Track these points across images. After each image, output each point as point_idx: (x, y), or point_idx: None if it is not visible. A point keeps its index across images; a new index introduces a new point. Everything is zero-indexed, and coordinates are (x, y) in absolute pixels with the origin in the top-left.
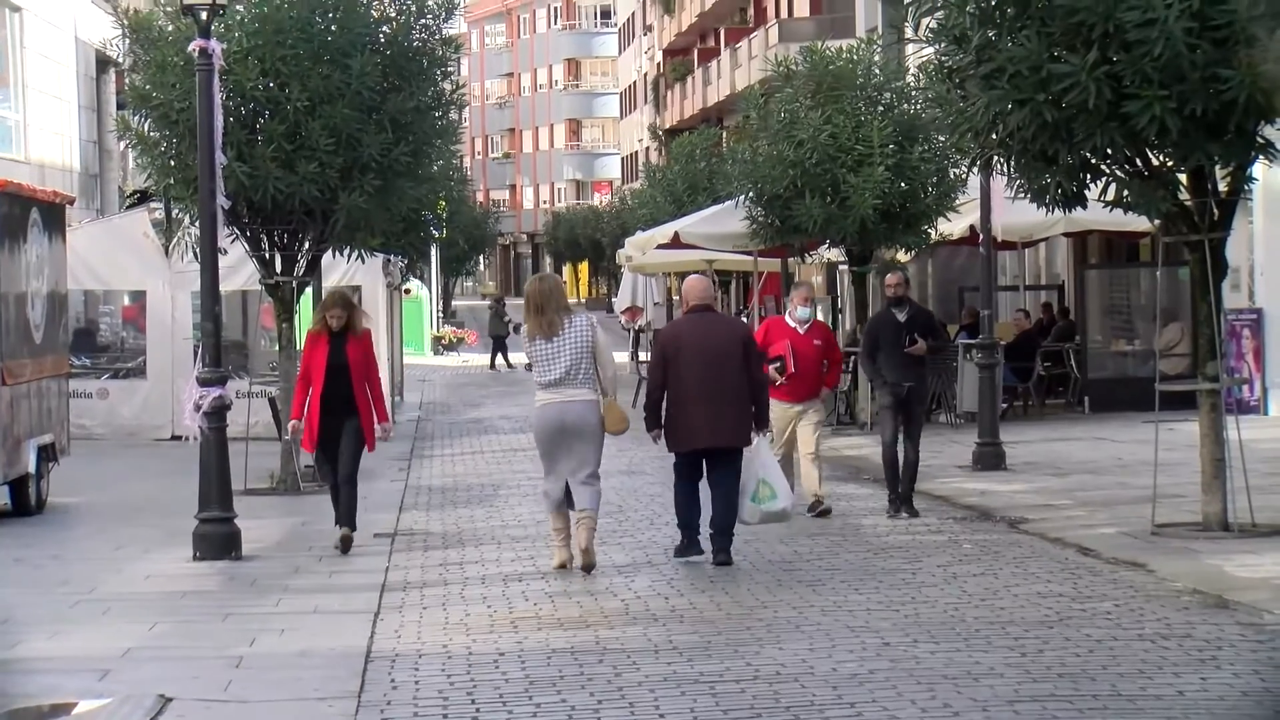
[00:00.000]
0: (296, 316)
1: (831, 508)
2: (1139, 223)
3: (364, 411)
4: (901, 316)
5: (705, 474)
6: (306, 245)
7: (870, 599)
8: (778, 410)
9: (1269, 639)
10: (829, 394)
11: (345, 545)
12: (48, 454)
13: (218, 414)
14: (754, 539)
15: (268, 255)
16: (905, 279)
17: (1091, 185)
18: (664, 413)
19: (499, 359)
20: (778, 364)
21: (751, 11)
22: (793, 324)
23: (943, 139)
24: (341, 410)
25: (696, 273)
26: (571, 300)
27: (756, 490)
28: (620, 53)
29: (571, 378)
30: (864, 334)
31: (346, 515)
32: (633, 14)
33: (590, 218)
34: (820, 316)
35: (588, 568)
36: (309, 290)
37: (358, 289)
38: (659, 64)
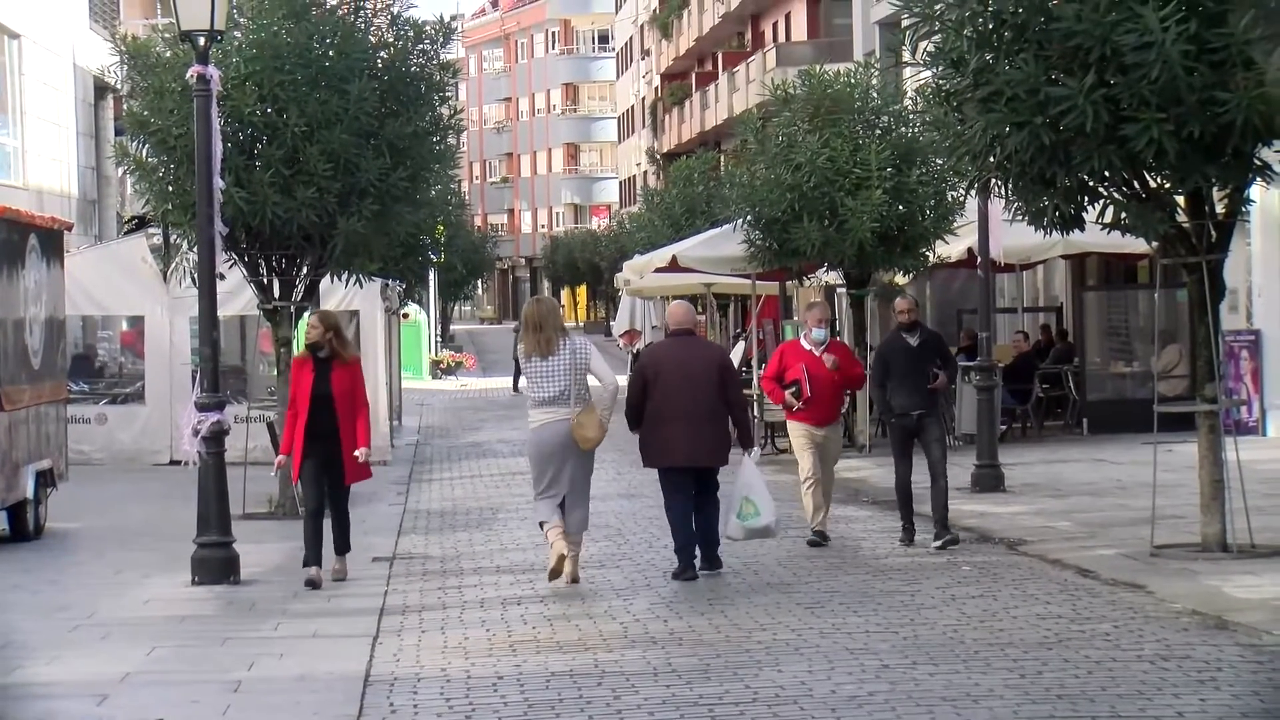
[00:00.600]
0: (295, 341)
1: (827, 535)
2: (1137, 245)
3: (345, 446)
4: (913, 341)
5: (693, 491)
6: (305, 270)
7: (869, 621)
8: (800, 432)
9: (1268, 660)
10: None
11: (314, 585)
12: (46, 479)
13: (216, 439)
14: (753, 561)
15: (266, 280)
16: (916, 303)
17: (1089, 207)
18: (642, 429)
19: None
20: (794, 389)
21: (749, 35)
22: (808, 346)
23: (940, 162)
24: (327, 441)
25: (682, 297)
26: (570, 324)
27: (740, 507)
28: (618, 77)
29: (565, 397)
30: (873, 360)
31: (325, 549)
32: (630, 39)
33: (588, 241)
34: None
35: (574, 579)
36: (307, 315)
37: (356, 313)
38: (656, 88)
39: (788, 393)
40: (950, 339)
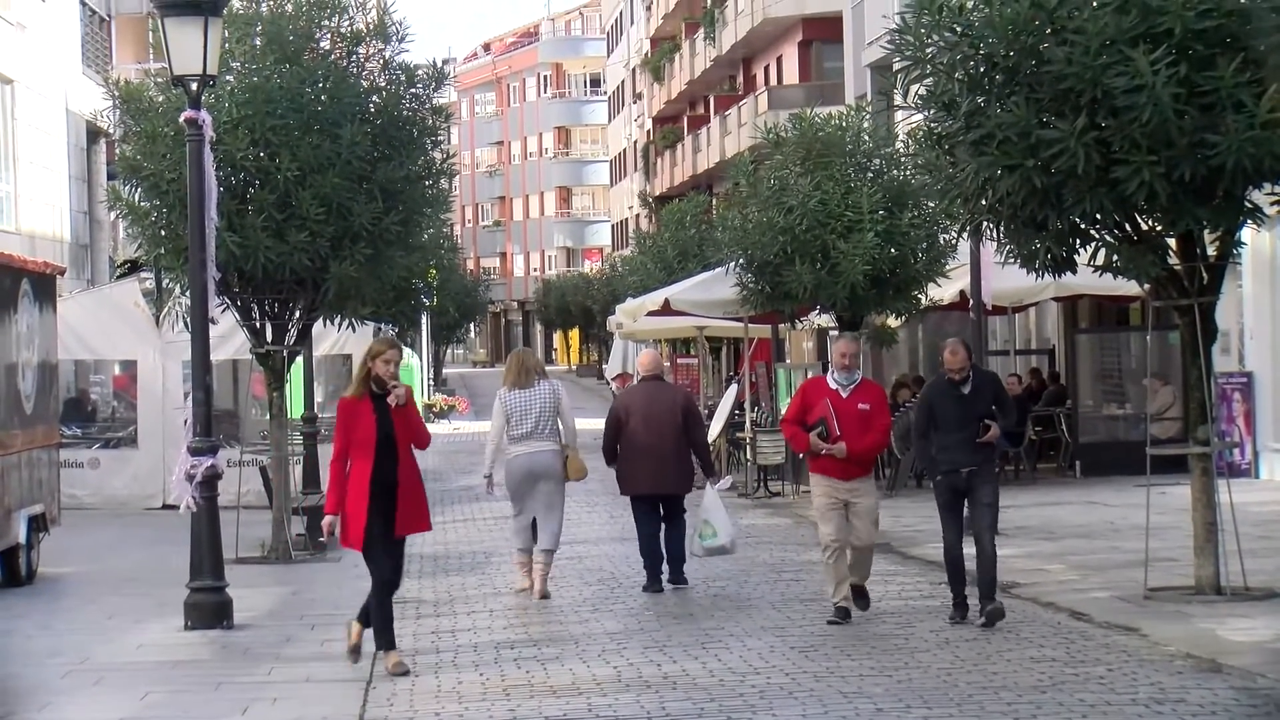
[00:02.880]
0: (287, 385)
1: (850, 610)
2: (1129, 287)
3: (406, 499)
4: (965, 389)
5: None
6: (297, 314)
7: (863, 664)
8: (822, 489)
9: (1262, 704)
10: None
11: (405, 671)
12: (38, 524)
13: (209, 483)
14: (747, 604)
15: (258, 324)
16: (969, 349)
17: (1081, 250)
18: (617, 462)
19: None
20: (819, 429)
21: (740, 79)
22: (835, 385)
23: (932, 205)
24: (391, 494)
25: (674, 340)
26: (561, 367)
27: (700, 529)
28: (610, 120)
29: (539, 430)
30: (916, 409)
31: (386, 629)
32: (622, 82)
33: (581, 285)
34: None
35: (543, 595)
36: (300, 359)
37: (349, 357)
38: (649, 131)
39: (813, 435)
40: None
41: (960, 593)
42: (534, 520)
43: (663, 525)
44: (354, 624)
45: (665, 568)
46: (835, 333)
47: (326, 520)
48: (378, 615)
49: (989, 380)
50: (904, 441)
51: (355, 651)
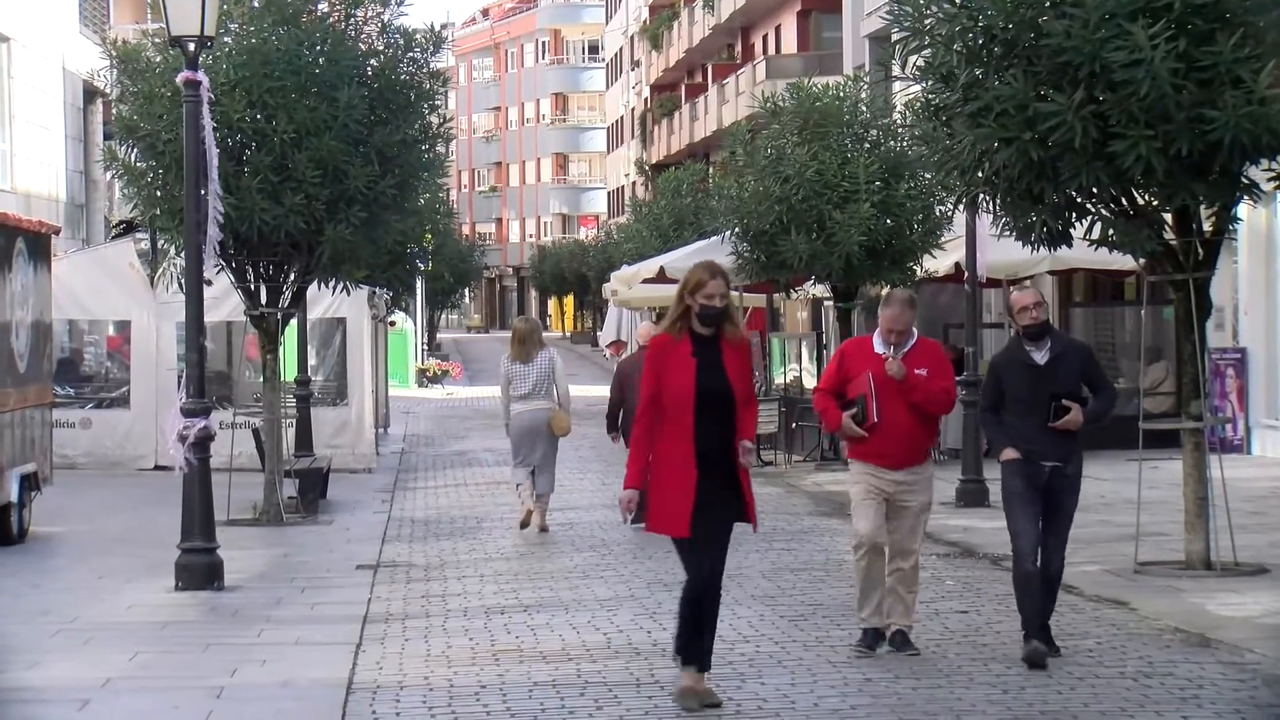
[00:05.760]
0: (281, 348)
1: (919, 650)
2: (1124, 261)
3: (742, 475)
4: (1040, 356)
5: None
6: (292, 277)
7: (852, 634)
8: (861, 476)
9: (1250, 678)
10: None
11: (714, 704)
12: (30, 483)
13: (202, 444)
14: (737, 574)
15: (253, 286)
16: (1043, 299)
17: (1077, 224)
18: (622, 422)
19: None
20: (855, 410)
21: (739, 48)
22: (881, 349)
23: (929, 176)
24: (719, 465)
25: (668, 309)
26: (556, 334)
27: None
28: (607, 88)
29: (536, 393)
30: (985, 382)
31: (694, 639)
32: (620, 49)
33: (576, 252)
34: (806, 356)
35: (543, 529)
36: (294, 322)
37: (343, 321)
38: (646, 99)
39: (846, 416)
40: None
41: (1037, 618)
42: (533, 472)
43: None
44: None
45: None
46: (885, 290)
47: (625, 495)
48: (686, 622)
49: (1076, 351)
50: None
51: (692, 695)
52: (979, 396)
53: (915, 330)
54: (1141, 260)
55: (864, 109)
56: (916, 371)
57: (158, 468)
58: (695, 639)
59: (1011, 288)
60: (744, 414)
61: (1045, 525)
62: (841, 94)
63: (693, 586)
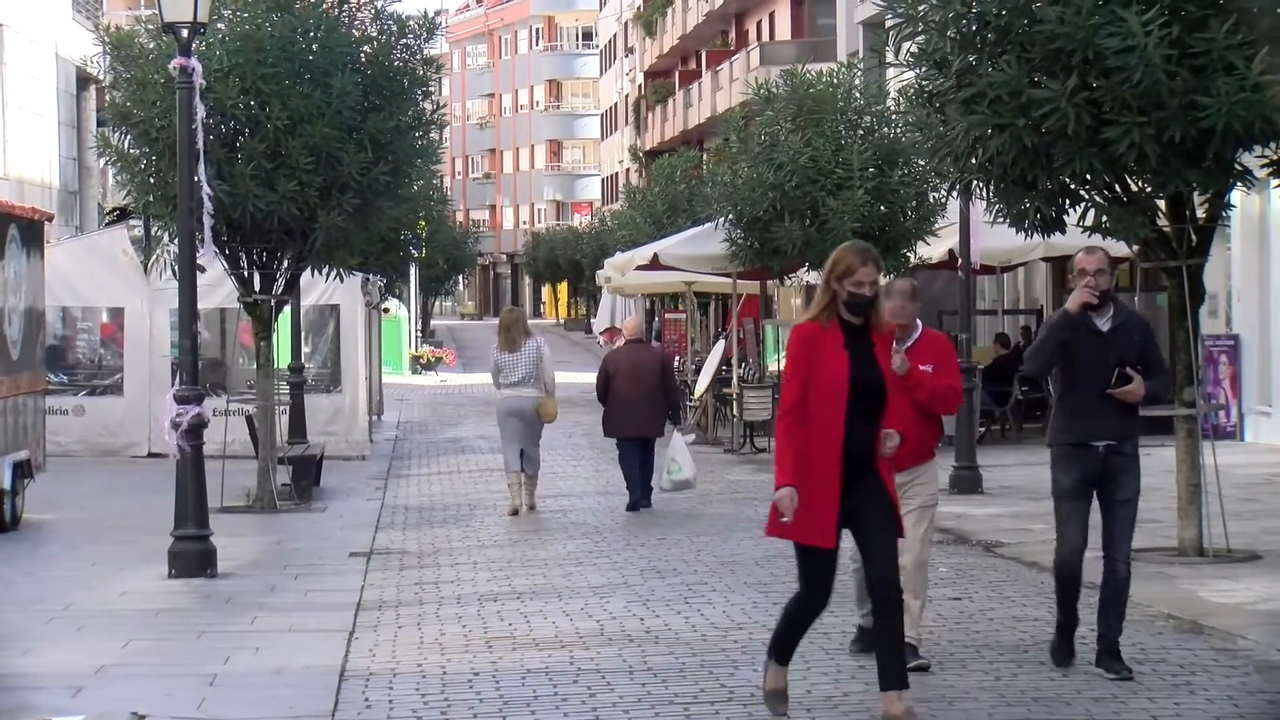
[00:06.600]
0: (274, 335)
1: (929, 663)
2: (1117, 248)
3: (884, 471)
4: (1103, 324)
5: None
6: (285, 264)
7: (845, 621)
8: None
9: (1243, 664)
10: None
11: None
12: (23, 470)
13: (195, 432)
14: (730, 560)
15: (246, 273)
16: (1111, 262)
17: (1070, 210)
18: (605, 409)
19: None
20: None
21: (733, 35)
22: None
23: (922, 163)
24: (868, 465)
25: (662, 296)
26: (550, 321)
27: (669, 467)
28: (601, 74)
29: (525, 381)
30: (1038, 340)
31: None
32: (614, 36)
33: (570, 238)
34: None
35: (531, 507)
36: (287, 309)
37: (336, 308)
38: (640, 86)
39: None
40: None
41: (1070, 615)
42: (521, 452)
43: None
44: (770, 664)
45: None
46: (886, 279)
47: (782, 493)
48: (886, 646)
49: (1139, 325)
50: None
51: (780, 697)
52: (1029, 364)
53: (920, 322)
54: (1135, 247)
55: (858, 95)
56: (921, 368)
57: (151, 455)
58: (903, 657)
59: (1081, 254)
60: (891, 407)
61: (1106, 522)
62: (835, 80)
63: (805, 601)
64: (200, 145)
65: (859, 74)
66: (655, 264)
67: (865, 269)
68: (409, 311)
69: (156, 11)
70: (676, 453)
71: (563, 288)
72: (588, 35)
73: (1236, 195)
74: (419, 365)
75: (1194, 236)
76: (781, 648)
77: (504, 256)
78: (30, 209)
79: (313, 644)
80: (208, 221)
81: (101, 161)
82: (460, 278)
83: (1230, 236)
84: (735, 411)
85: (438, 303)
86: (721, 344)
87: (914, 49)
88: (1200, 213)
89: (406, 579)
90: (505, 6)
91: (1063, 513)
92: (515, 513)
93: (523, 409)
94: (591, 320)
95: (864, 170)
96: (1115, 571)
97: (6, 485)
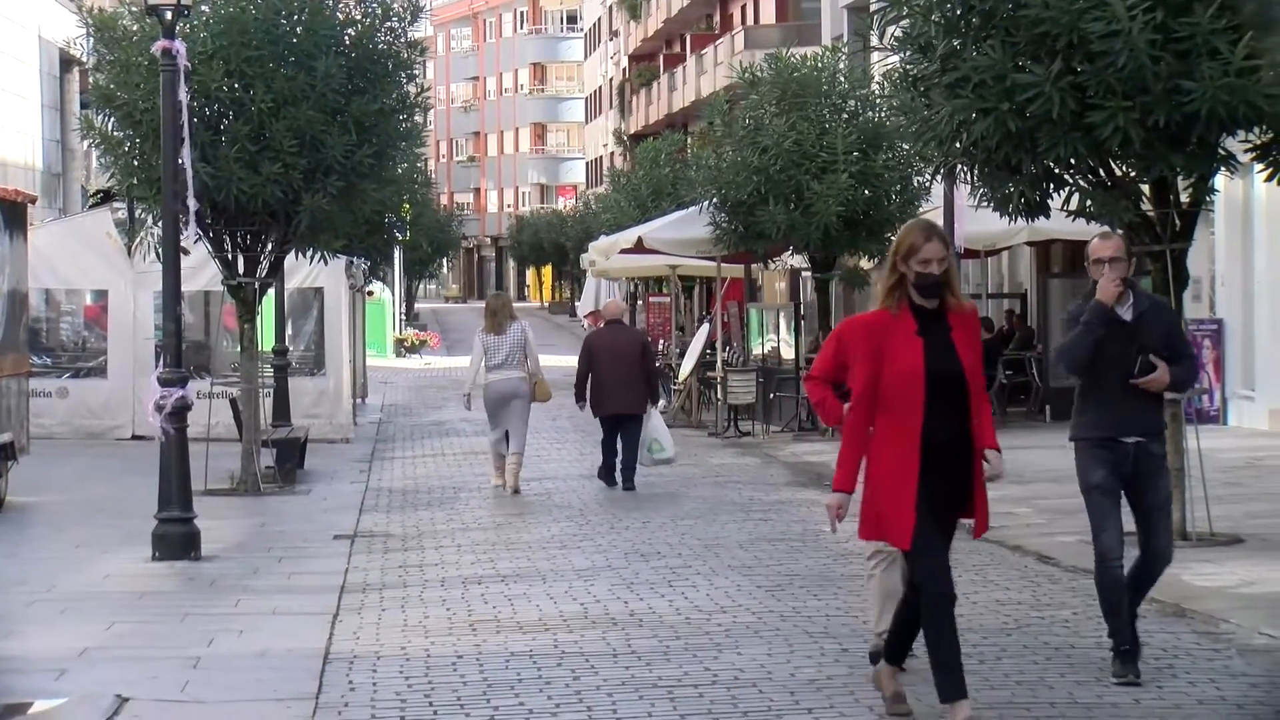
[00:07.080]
0: (259, 317)
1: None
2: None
3: (977, 472)
4: (1125, 312)
5: (619, 432)
6: (269, 246)
7: (829, 605)
8: None
9: (1225, 648)
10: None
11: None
12: (7, 453)
13: (179, 414)
14: (714, 544)
15: (230, 256)
16: (1129, 246)
17: (1054, 195)
18: (588, 391)
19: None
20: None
21: (717, 18)
22: None
23: (907, 147)
24: (953, 464)
25: (647, 279)
26: (534, 304)
27: (651, 445)
28: (586, 58)
29: (509, 363)
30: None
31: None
32: (599, 19)
33: (554, 222)
34: (784, 327)
35: (515, 490)
36: (271, 291)
37: (320, 291)
38: (624, 69)
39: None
40: None
41: (1126, 628)
42: (506, 433)
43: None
44: (882, 667)
45: (618, 476)
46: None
47: (830, 499)
48: (940, 644)
49: (1162, 311)
50: None
51: (899, 700)
52: (1066, 364)
53: None
54: (1119, 231)
55: (842, 80)
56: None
57: (135, 437)
58: (956, 662)
59: (1097, 240)
60: (979, 409)
61: (1142, 524)
62: (820, 65)
63: (931, 602)
64: (184, 128)
65: (844, 58)
66: (640, 247)
67: (931, 245)
68: (393, 294)
69: None
70: (658, 432)
71: (547, 271)
72: (572, 19)
73: (1220, 180)
74: (403, 348)
75: (1178, 221)
76: (946, 667)
77: (488, 240)
78: (13, 191)
79: (297, 627)
80: (192, 204)
81: (85, 144)
82: (444, 261)
83: (1214, 221)
84: (719, 395)
85: (422, 286)
86: (706, 328)
87: (898, 33)
88: (1184, 197)
89: (390, 562)
90: None
91: (1096, 509)
92: (500, 486)
93: (509, 391)
94: (576, 304)
95: (848, 154)
96: (1157, 549)
97: None
